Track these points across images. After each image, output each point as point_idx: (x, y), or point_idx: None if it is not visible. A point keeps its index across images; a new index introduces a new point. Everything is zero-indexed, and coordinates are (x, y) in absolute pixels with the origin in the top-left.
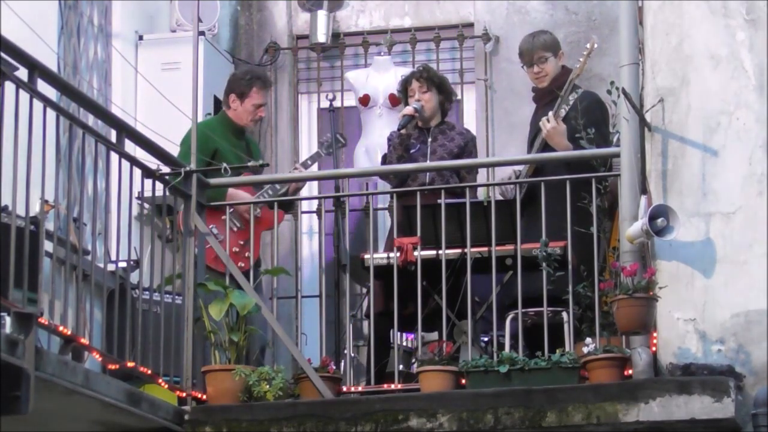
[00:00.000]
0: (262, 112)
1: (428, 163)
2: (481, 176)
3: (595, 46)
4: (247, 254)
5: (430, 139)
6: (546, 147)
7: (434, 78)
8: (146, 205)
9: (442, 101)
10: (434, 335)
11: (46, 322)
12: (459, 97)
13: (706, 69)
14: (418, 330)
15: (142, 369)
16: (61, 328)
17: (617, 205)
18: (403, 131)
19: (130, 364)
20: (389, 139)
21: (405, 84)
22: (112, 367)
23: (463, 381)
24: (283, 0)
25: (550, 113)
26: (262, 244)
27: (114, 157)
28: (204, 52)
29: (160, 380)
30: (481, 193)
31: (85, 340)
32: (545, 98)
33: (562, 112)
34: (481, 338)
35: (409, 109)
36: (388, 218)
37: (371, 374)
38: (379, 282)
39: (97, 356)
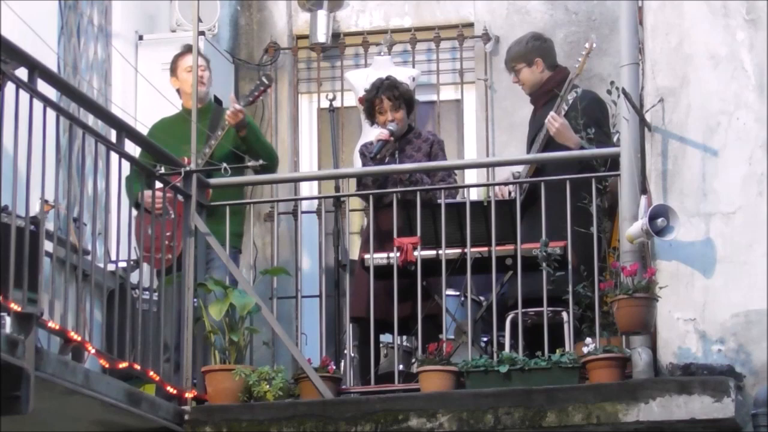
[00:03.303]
0: (199, 71)
1: (428, 163)
2: (482, 176)
3: (594, 46)
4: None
5: (398, 153)
6: (547, 147)
7: (405, 94)
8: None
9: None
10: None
11: (47, 322)
12: (459, 97)
13: (706, 69)
14: (418, 330)
15: (136, 366)
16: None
17: (617, 205)
18: (378, 157)
19: (125, 364)
20: (362, 155)
21: (372, 98)
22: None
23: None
24: (283, 0)
25: (553, 112)
26: (261, 243)
27: (114, 157)
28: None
29: (152, 373)
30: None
31: (77, 337)
32: (543, 99)
33: (562, 112)
34: (481, 338)
35: (384, 134)
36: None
37: (371, 374)
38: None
39: (93, 350)
